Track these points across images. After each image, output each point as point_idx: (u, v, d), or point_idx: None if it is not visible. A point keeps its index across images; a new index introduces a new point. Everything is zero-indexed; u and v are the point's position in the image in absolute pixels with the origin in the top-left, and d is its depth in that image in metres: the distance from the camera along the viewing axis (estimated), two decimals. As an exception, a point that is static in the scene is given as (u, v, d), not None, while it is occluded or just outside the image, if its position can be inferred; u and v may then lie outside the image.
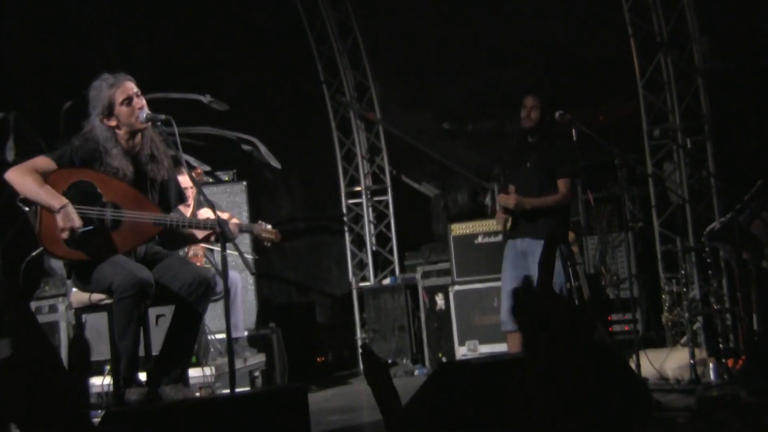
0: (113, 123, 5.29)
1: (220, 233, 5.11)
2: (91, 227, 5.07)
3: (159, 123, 5.27)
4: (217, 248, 5.22)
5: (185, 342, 5.44)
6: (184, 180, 7.74)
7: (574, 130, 7.01)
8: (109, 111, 5.28)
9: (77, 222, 4.99)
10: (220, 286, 7.67)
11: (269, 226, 5.64)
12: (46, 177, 5.06)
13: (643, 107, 9.84)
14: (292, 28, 11.78)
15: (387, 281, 11.46)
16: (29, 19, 9.78)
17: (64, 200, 4.99)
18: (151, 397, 5.30)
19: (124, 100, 5.27)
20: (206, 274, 5.41)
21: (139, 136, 5.38)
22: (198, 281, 5.25)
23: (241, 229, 5.57)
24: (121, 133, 5.31)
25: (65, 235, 4.97)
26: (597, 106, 10.45)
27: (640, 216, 9.88)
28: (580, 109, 9.23)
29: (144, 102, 5.35)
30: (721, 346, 7.81)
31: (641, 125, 9.83)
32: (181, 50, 10.79)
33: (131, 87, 5.35)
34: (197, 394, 6.86)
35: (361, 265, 12.09)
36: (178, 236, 5.53)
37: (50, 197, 5.00)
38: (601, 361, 4.71)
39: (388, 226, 12.05)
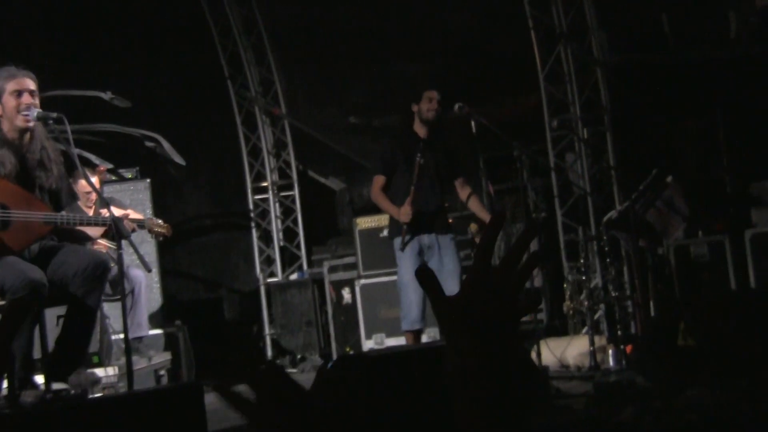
0: None
1: (115, 231, 5.06)
2: None
3: (51, 121, 5.19)
4: (114, 246, 5.16)
5: (81, 336, 5.36)
6: (83, 185, 7.67)
7: (473, 122, 7.09)
8: None
9: None
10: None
11: (160, 221, 5.63)
12: None
13: (545, 99, 9.99)
14: (195, 22, 11.69)
15: (295, 276, 11.45)
16: None
17: None
18: (48, 393, 5.24)
19: (14, 92, 5.19)
20: (101, 257, 5.34)
21: (27, 136, 5.29)
22: (93, 265, 5.18)
23: (133, 225, 5.52)
24: (6, 126, 5.22)
25: None
26: (501, 100, 10.57)
27: (543, 206, 10.02)
28: (484, 103, 9.35)
29: (36, 102, 5.26)
30: (619, 332, 7.97)
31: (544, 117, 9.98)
32: (81, 46, 10.64)
33: (28, 83, 5.26)
34: (100, 394, 6.79)
35: (268, 261, 12.06)
36: (73, 234, 5.46)
37: None
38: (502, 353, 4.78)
39: (295, 221, 12.03)
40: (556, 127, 9.52)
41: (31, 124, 5.21)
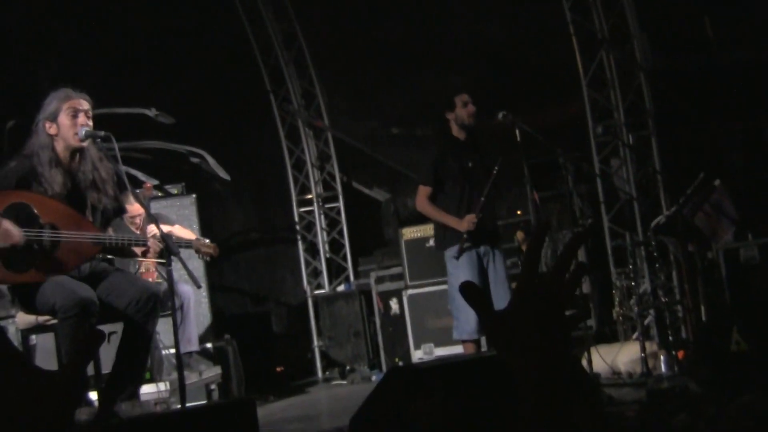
0: (54, 131, 5.26)
1: (165, 248, 5.09)
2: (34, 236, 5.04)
3: (98, 139, 5.24)
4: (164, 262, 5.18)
5: (136, 360, 5.41)
6: (133, 208, 7.73)
7: (517, 130, 7.04)
8: (53, 117, 5.27)
9: (17, 236, 4.97)
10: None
11: (207, 241, 5.65)
12: None
13: (588, 105, 9.95)
14: (236, 38, 11.78)
15: (341, 288, 11.47)
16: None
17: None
18: (103, 415, 5.28)
19: (70, 110, 5.25)
20: (154, 289, 5.37)
21: (78, 157, 5.35)
22: (145, 298, 5.23)
23: (180, 245, 5.54)
24: (59, 145, 5.28)
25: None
26: (542, 107, 10.53)
27: (590, 213, 9.97)
28: (525, 111, 9.32)
29: (90, 123, 5.32)
30: (670, 338, 7.90)
31: (587, 123, 9.94)
32: (126, 65, 10.75)
33: (84, 104, 5.33)
34: (153, 410, 6.83)
35: (315, 273, 12.11)
36: (122, 252, 5.51)
37: None
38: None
39: (340, 233, 12.07)
40: (602, 133, 9.47)
41: (83, 143, 5.27)
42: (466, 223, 6.80)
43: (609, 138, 9.87)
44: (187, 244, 5.60)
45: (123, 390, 5.29)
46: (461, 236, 6.83)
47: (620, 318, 8.86)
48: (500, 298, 6.70)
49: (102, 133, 5.23)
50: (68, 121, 5.26)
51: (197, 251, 5.66)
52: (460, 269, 6.86)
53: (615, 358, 7.69)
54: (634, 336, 8.61)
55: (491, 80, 10.67)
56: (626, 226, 9.66)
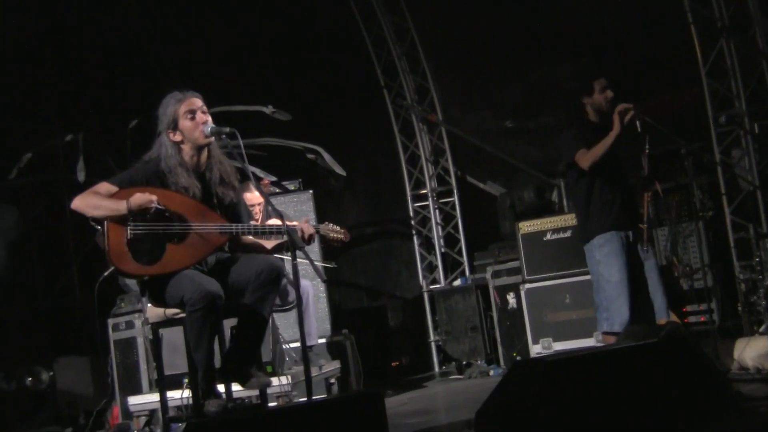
0: (178, 138, 5.34)
1: (289, 241, 5.11)
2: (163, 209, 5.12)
3: (224, 136, 5.30)
4: (288, 258, 5.18)
5: (256, 337, 5.39)
6: (253, 196, 7.82)
7: (638, 122, 6.89)
8: (173, 125, 5.34)
9: (147, 198, 5.09)
10: (292, 296, 7.76)
11: (336, 226, 5.59)
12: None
13: (708, 94, 9.72)
14: (348, 33, 11.85)
15: (457, 282, 11.44)
16: (93, 42, 9.96)
17: (125, 197, 5.09)
18: (230, 402, 5.37)
19: (187, 113, 5.32)
20: (276, 262, 5.35)
21: (204, 155, 5.41)
22: (269, 269, 5.22)
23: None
24: (186, 149, 5.35)
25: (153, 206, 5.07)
26: (659, 97, 10.32)
27: (710, 204, 9.74)
28: (642, 101, 9.14)
29: (209, 118, 5.37)
30: (799, 332, 7.68)
31: (705, 113, 9.71)
32: (241, 63, 10.89)
33: (197, 102, 5.39)
34: (275, 403, 6.91)
35: (430, 268, 12.12)
36: (246, 247, 5.54)
37: (114, 203, 5.07)
38: (682, 355, 4.64)
39: (455, 227, 12.06)
40: (724, 123, 9.22)
41: (210, 139, 5.33)
42: (618, 117, 6.49)
43: (730, 128, 9.63)
44: (315, 228, 5.51)
45: (237, 371, 5.31)
46: (610, 222, 6.62)
47: (746, 312, 8.64)
48: (654, 281, 6.56)
49: (227, 129, 5.28)
50: (189, 124, 5.32)
51: (326, 236, 5.57)
52: (611, 256, 6.59)
53: (742, 353, 7.49)
54: (761, 330, 8.38)
55: (604, 70, 10.50)
56: (750, 218, 9.43)
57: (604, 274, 6.61)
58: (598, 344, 8.27)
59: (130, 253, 5.09)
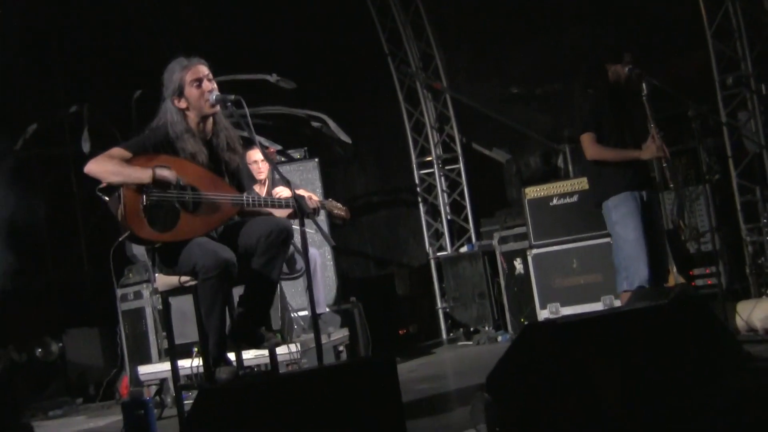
0: (183, 105, 5.32)
1: (298, 209, 5.11)
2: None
3: (229, 104, 5.28)
4: (296, 225, 5.18)
5: (264, 300, 5.38)
6: (253, 153, 7.83)
7: (644, 84, 6.85)
8: (179, 92, 5.31)
9: (174, 175, 5.11)
10: (299, 264, 7.76)
11: (339, 204, 5.64)
12: None
13: (714, 56, 9.67)
14: (353, 1, 11.79)
15: (464, 249, 11.46)
16: (96, 13, 9.92)
17: (150, 168, 5.08)
18: (241, 369, 5.37)
19: (193, 82, 5.30)
20: (285, 223, 5.33)
21: (210, 122, 5.39)
22: (278, 230, 5.20)
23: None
24: (192, 116, 5.34)
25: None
26: (665, 60, 10.26)
27: (717, 168, 9.72)
28: (649, 64, 9.09)
29: (215, 86, 5.35)
30: (808, 293, 7.69)
31: (711, 75, 9.67)
32: (244, 31, 10.84)
33: (202, 70, 5.36)
34: (285, 370, 6.93)
35: (437, 235, 12.13)
36: (255, 213, 5.54)
37: (137, 171, 5.06)
38: (692, 316, 4.64)
39: (461, 194, 12.06)
40: (731, 84, 9.19)
41: (215, 108, 5.32)
42: (648, 152, 6.57)
43: (737, 90, 9.59)
44: (321, 204, 5.58)
45: (248, 334, 5.32)
46: (624, 183, 6.60)
47: (753, 274, 8.64)
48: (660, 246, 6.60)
49: (232, 97, 5.25)
50: (196, 92, 5.30)
51: (330, 212, 5.64)
52: (627, 217, 6.57)
53: (750, 314, 7.50)
54: (768, 292, 8.40)
55: (612, 35, 10.46)
56: (756, 181, 9.41)
57: (621, 234, 6.61)
58: (606, 308, 8.29)
59: (146, 218, 5.09)
